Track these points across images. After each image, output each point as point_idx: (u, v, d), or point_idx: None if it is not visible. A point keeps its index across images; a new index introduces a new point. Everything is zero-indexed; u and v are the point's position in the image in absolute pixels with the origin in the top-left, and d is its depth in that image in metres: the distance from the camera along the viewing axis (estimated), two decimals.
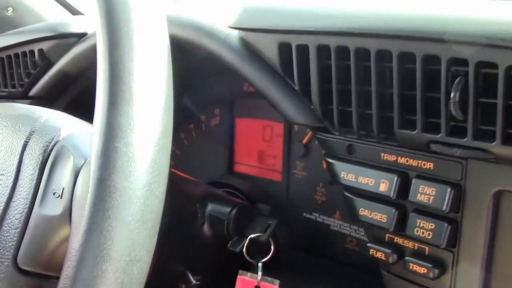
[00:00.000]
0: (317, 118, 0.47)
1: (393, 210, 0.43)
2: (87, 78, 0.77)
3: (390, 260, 0.44)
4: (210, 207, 0.63)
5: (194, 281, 0.62)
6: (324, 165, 0.58)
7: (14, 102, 0.82)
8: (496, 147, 0.35)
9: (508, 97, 0.35)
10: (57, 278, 0.36)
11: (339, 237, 0.67)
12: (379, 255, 0.45)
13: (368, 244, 0.46)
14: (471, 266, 0.40)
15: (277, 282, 0.59)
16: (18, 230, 0.38)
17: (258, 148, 0.77)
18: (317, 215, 0.69)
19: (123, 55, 0.32)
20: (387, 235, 0.45)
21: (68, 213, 0.37)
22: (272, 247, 0.62)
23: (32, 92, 0.79)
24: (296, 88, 0.48)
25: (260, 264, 0.61)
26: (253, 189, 0.74)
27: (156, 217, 0.32)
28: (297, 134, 0.70)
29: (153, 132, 0.32)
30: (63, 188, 0.38)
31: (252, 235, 0.61)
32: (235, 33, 0.54)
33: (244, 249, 0.61)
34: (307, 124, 0.48)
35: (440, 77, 0.37)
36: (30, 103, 0.78)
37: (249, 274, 0.60)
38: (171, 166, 0.84)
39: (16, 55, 0.82)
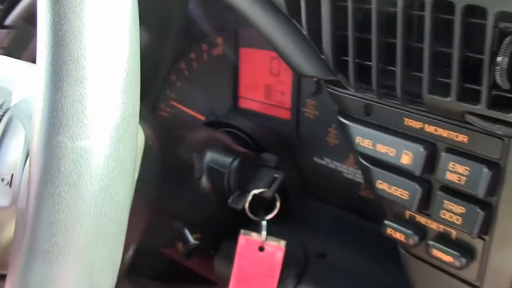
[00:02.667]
0: (329, 69, 0.41)
1: (417, 187, 0.37)
2: None
3: (411, 242, 0.39)
4: (209, 157, 0.58)
5: (192, 240, 0.58)
6: None
7: None
8: None
9: None
10: None
11: (353, 185, 0.62)
12: (397, 235, 0.39)
13: (386, 222, 0.40)
14: (504, 257, 0.35)
15: (283, 242, 0.55)
16: None
17: (265, 82, 0.70)
18: (328, 160, 0.64)
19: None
20: (408, 212, 0.39)
21: (14, 200, 0.32)
22: (278, 204, 0.57)
23: (7, 21, 0.71)
24: (305, 33, 0.41)
25: (264, 223, 0.56)
26: (259, 130, 0.68)
27: (117, 232, 0.26)
28: None
29: (113, 118, 0.25)
30: (12, 174, 0.32)
31: (256, 191, 0.55)
32: None
33: (246, 206, 0.56)
34: (318, 77, 0.42)
35: (485, 34, 0.30)
36: (7, 34, 0.71)
37: (252, 234, 0.56)
38: (171, 99, 0.78)
39: None
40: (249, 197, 0.55)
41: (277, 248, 0.55)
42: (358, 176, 0.61)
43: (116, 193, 0.25)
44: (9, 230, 0.32)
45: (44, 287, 0.24)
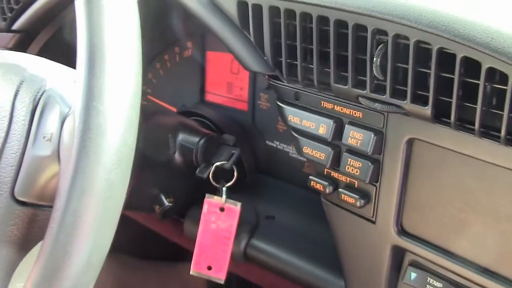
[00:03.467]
0: (270, 67, 0.56)
1: (330, 150, 0.53)
2: (63, 18, 0.84)
3: (327, 191, 0.54)
4: (180, 137, 0.73)
5: (167, 203, 0.73)
6: None
7: None
8: (407, 105, 0.45)
9: (417, 64, 0.43)
10: (49, 207, 0.46)
11: (297, 163, 0.77)
12: (318, 186, 0.55)
13: (310, 177, 0.56)
14: (389, 198, 0.51)
15: (239, 204, 0.70)
16: (13, 167, 0.47)
17: (227, 80, 0.85)
18: (278, 143, 0.79)
19: (99, 22, 0.40)
20: (325, 169, 0.55)
21: (56, 154, 0.46)
22: (235, 174, 0.72)
23: (15, 26, 0.85)
24: (252, 40, 0.56)
25: (224, 189, 0.71)
26: (222, 118, 0.83)
27: (128, 161, 0.41)
28: None
29: (125, 93, 0.40)
30: (51, 133, 0.46)
31: (218, 163, 0.70)
32: None
33: (210, 175, 0.71)
34: (262, 72, 0.57)
35: (367, 43, 0.46)
36: (13, 37, 0.85)
37: (215, 197, 0.71)
38: (147, 94, 0.93)
39: None
40: (212, 168, 0.70)
41: (234, 208, 0.70)
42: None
43: (128, 139, 0.40)
44: (50, 172, 0.46)
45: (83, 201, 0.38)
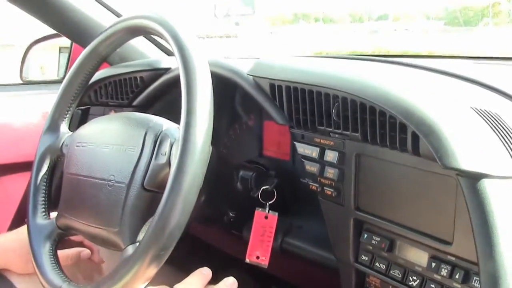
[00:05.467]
0: (288, 121, 0.99)
1: (318, 165, 0.94)
2: (168, 96, 1.32)
3: (318, 189, 0.95)
4: (241, 172, 1.16)
5: (231, 214, 1.15)
6: None
7: (123, 109, 1.38)
8: (350, 134, 0.86)
9: (353, 113, 0.85)
10: (162, 192, 0.87)
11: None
12: (313, 187, 0.96)
13: (309, 182, 0.97)
14: (350, 189, 0.90)
15: (276, 214, 1.11)
16: (143, 170, 0.90)
17: (277, 140, 1.29)
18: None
19: (195, 93, 0.83)
20: (317, 178, 0.96)
21: (168, 162, 0.88)
22: (276, 195, 1.13)
23: (134, 103, 1.34)
24: (278, 106, 1.00)
25: (267, 204, 1.13)
26: (272, 163, 1.26)
27: (204, 166, 0.81)
28: None
29: (203, 139, 0.80)
30: (166, 151, 0.88)
31: (263, 187, 1.13)
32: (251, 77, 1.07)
33: (259, 195, 1.13)
34: (284, 124, 1.00)
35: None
36: (132, 110, 1.33)
37: (261, 209, 1.12)
38: (223, 153, 1.39)
39: (125, 79, 1.37)
40: (260, 191, 1.13)
41: (274, 216, 1.11)
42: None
43: (203, 164, 0.81)
44: (165, 172, 0.85)
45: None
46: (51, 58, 2.25)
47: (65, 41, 1.96)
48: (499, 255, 0.66)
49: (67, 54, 2.00)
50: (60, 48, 2.14)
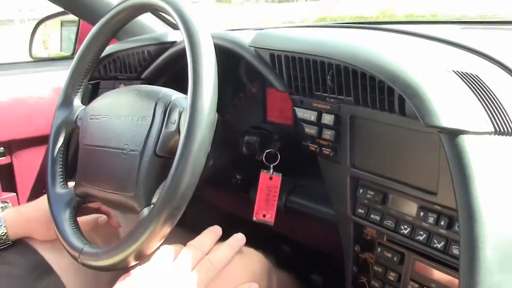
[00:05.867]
0: (287, 88, 1.07)
1: (316, 127, 1.02)
2: (174, 68, 1.40)
3: (317, 150, 1.04)
4: (246, 137, 1.25)
5: (238, 177, 1.25)
6: None
7: (132, 82, 1.46)
8: (344, 98, 0.94)
9: (346, 78, 0.93)
10: (173, 158, 0.96)
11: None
12: (313, 148, 1.05)
13: (309, 143, 1.06)
14: (345, 149, 0.99)
15: (280, 174, 1.20)
16: (155, 138, 0.97)
17: (279, 106, 1.37)
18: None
19: (200, 65, 0.91)
20: (316, 139, 1.04)
21: (177, 130, 0.96)
22: (279, 157, 1.22)
23: (142, 76, 1.42)
24: (278, 74, 1.08)
25: (272, 166, 1.22)
26: (276, 128, 1.34)
27: (211, 131, 0.87)
28: None
29: (209, 105, 0.87)
30: (175, 120, 0.95)
31: (267, 150, 1.22)
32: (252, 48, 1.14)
33: (263, 158, 1.22)
34: (284, 91, 1.08)
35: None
36: (141, 82, 1.41)
37: (265, 171, 1.21)
38: (228, 120, 1.48)
39: (133, 53, 1.45)
40: (264, 154, 1.21)
41: (278, 177, 1.20)
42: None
43: (211, 129, 0.89)
44: (175, 139, 0.92)
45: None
46: (53, 33, 2.32)
47: (67, 16, 2.04)
48: (475, 202, 0.74)
49: (69, 28, 2.07)
50: (62, 22, 2.21)
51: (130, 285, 0.83)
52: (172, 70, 1.43)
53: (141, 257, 0.87)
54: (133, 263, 0.88)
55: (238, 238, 0.95)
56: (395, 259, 0.95)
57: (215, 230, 0.95)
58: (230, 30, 1.41)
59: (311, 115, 1.04)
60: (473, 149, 0.76)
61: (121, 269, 0.89)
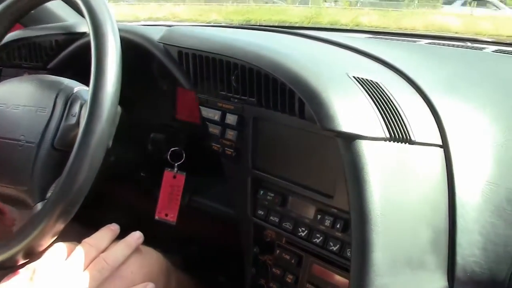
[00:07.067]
0: (193, 86, 1.06)
1: (220, 127, 1.01)
2: (84, 60, 1.35)
3: (220, 150, 1.03)
4: (152, 135, 1.22)
5: (142, 174, 1.22)
6: None
7: (38, 72, 1.40)
8: (247, 99, 0.94)
9: (246, 79, 0.92)
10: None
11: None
12: (215, 147, 1.04)
13: (212, 143, 1.04)
14: (247, 149, 0.99)
15: (184, 173, 1.19)
16: (53, 131, 0.93)
17: (189, 104, 1.34)
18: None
19: (104, 56, 0.88)
20: (219, 139, 1.03)
21: (77, 123, 0.93)
22: (184, 156, 1.20)
23: (49, 66, 1.37)
24: (186, 72, 1.06)
25: (176, 164, 1.20)
26: (184, 126, 1.32)
27: (109, 135, 0.87)
28: None
29: (110, 98, 0.86)
30: (76, 112, 0.93)
31: (172, 148, 1.20)
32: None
33: (168, 156, 1.19)
34: (190, 89, 1.07)
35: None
36: (47, 73, 1.36)
37: (169, 169, 1.19)
38: (136, 116, 1.44)
39: (39, 42, 1.38)
40: (169, 152, 1.19)
41: (181, 176, 1.19)
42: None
43: (111, 120, 0.87)
44: (74, 132, 0.93)
45: None
46: None
47: None
48: (367, 205, 0.75)
49: None
50: None
51: (14, 286, 0.79)
52: (81, 62, 1.37)
53: (32, 255, 0.83)
54: (22, 261, 0.84)
55: (136, 237, 0.93)
56: (293, 261, 0.96)
57: (112, 228, 0.92)
58: (141, 24, 1.37)
59: (215, 115, 1.02)
60: (368, 154, 0.76)
61: (9, 267, 0.85)
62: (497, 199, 0.83)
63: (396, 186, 0.78)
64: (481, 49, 1.25)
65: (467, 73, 1.05)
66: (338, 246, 0.86)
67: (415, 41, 1.37)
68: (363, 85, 0.84)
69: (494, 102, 0.93)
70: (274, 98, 0.89)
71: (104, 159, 0.84)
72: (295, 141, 0.91)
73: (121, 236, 0.93)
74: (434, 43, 1.34)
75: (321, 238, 0.89)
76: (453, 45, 1.29)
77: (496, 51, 1.21)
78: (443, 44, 1.32)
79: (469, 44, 1.33)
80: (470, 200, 0.82)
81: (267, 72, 0.87)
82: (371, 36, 1.39)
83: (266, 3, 10.68)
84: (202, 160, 1.22)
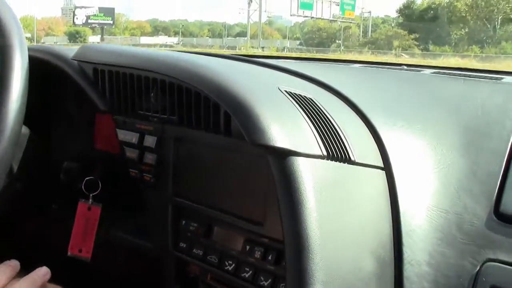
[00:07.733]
0: (110, 108, 0.94)
1: (137, 151, 0.90)
2: None
3: (138, 176, 0.91)
4: (65, 163, 1.10)
5: (54, 206, 1.08)
6: None
7: None
8: (167, 117, 0.83)
9: (164, 96, 0.82)
10: None
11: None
12: (133, 173, 0.92)
13: (130, 170, 0.93)
14: (168, 174, 0.88)
15: (100, 205, 1.06)
16: None
17: (108, 132, 1.23)
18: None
19: (8, 79, 0.77)
20: (137, 165, 0.92)
21: None
22: (100, 186, 1.08)
23: None
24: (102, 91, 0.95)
25: (91, 195, 1.07)
26: (102, 155, 1.20)
27: (9, 157, 0.76)
28: None
29: (13, 118, 0.76)
30: None
31: (87, 178, 1.07)
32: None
33: (83, 186, 1.07)
34: (105, 110, 0.95)
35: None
36: None
37: (84, 200, 1.07)
38: (50, 144, 1.31)
39: None
40: (84, 181, 1.07)
41: (97, 208, 1.06)
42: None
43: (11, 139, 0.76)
44: None
45: None
46: None
47: None
48: (303, 231, 0.65)
49: None
50: None
51: None
52: None
53: None
54: None
55: (42, 273, 0.81)
56: None
57: (13, 265, 0.81)
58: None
59: (133, 137, 0.92)
60: (304, 172, 0.67)
61: None
62: (446, 226, 0.75)
63: (335, 209, 0.68)
64: (418, 71, 1.20)
65: (406, 94, 0.98)
66: (270, 280, 0.76)
67: (349, 65, 1.31)
68: (296, 99, 0.75)
69: (437, 123, 0.86)
70: (197, 114, 0.79)
71: (9, 185, 0.73)
72: (221, 163, 0.81)
73: (28, 273, 0.81)
74: (370, 66, 1.28)
75: (251, 272, 0.79)
76: (388, 68, 1.24)
77: (434, 73, 1.16)
78: (381, 67, 1.26)
79: (405, 67, 1.28)
80: (416, 227, 0.74)
81: (189, 85, 0.78)
82: (304, 61, 1.32)
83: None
84: (119, 190, 1.11)
